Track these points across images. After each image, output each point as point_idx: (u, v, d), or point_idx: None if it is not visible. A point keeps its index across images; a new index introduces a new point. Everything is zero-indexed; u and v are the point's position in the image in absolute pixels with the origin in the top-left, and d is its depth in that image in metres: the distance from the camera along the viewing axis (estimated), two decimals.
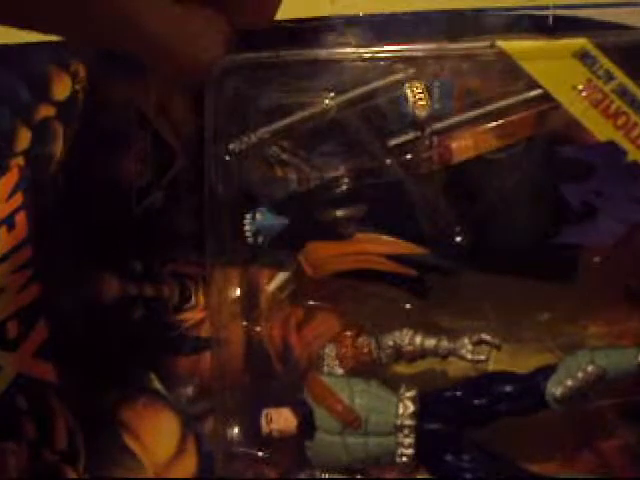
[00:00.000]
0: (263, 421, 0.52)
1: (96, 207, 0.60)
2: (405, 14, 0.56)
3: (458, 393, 0.50)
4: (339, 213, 0.51)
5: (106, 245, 0.60)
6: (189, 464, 0.58)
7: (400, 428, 0.50)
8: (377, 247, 0.50)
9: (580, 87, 0.48)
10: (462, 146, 0.50)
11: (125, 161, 0.60)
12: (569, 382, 0.48)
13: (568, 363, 0.48)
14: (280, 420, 0.51)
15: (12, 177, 0.61)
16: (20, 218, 0.61)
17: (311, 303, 0.54)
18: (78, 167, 0.61)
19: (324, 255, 0.51)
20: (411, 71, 0.50)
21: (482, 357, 0.50)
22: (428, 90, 0.52)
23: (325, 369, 0.52)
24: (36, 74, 0.61)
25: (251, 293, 0.55)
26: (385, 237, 0.50)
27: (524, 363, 0.50)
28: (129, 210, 0.60)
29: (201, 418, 0.58)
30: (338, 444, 0.50)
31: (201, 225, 0.55)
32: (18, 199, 0.61)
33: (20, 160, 0.61)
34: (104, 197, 0.60)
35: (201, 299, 0.59)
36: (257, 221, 0.52)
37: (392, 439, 0.50)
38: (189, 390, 0.58)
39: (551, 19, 0.55)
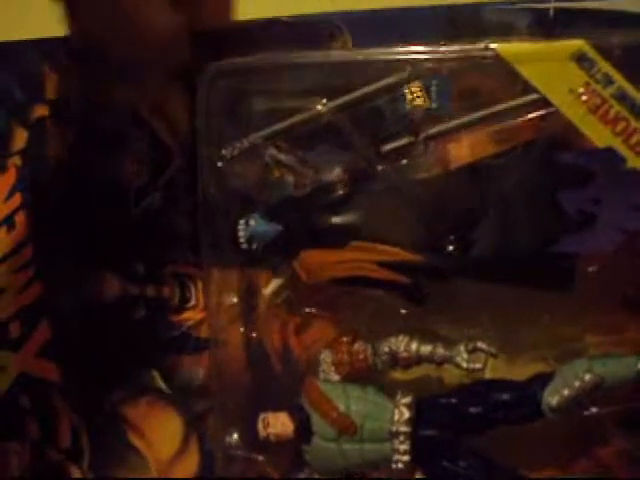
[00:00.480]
0: (260, 425, 0.52)
1: (96, 207, 0.60)
2: (403, 9, 0.55)
3: (454, 400, 0.50)
4: (334, 220, 0.50)
5: (106, 245, 0.60)
6: (192, 461, 0.59)
7: (395, 434, 0.49)
8: (370, 254, 0.49)
9: (579, 90, 0.46)
10: (459, 152, 0.49)
11: (123, 161, 0.59)
12: (565, 391, 0.47)
13: (565, 372, 0.48)
14: (277, 424, 0.51)
15: (10, 177, 0.61)
16: (20, 218, 0.61)
17: (307, 310, 0.53)
18: (77, 167, 0.61)
19: (319, 262, 0.50)
20: (406, 74, 0.49)
21: (477, 366, 0.49)
22: (426, 89, 0.50)
23: (321, 375, 0.52)
24: (30, 73, 0.61)
25: (249, 296, 0.55)
26: (378, 245, 0.49)
27: (521, 371, 0.50)
28: (128, 210, 0.59)
29: (203, 416, 0.58)
30: (334, 450, 0.50)
31: (195, 224, 0.55)
32: (17, 199, 0.61)
33: (17, 160, 0.61)
34: (103, 197, 0.60)
35: (202, 299, 0.59)
36: (250, 227, 0.52)
37: (388, 445, 0.50)
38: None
39: (552, 12, 0.53)
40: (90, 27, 0.50)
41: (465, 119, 0.49)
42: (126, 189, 0.59)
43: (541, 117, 0.47)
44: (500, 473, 0.49)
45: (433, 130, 0.49)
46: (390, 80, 0.50)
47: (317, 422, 0.51)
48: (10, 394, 0.61)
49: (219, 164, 0.52)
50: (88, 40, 0.52)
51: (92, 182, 0.60)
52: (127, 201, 0.59)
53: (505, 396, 0.49)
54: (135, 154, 0.59)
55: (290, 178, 0.53)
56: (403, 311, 0.51)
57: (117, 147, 0.60)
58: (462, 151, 0.50)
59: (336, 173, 0.52)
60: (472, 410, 0.49)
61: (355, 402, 0.50)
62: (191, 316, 0.59)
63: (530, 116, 0.48)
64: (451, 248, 0.48)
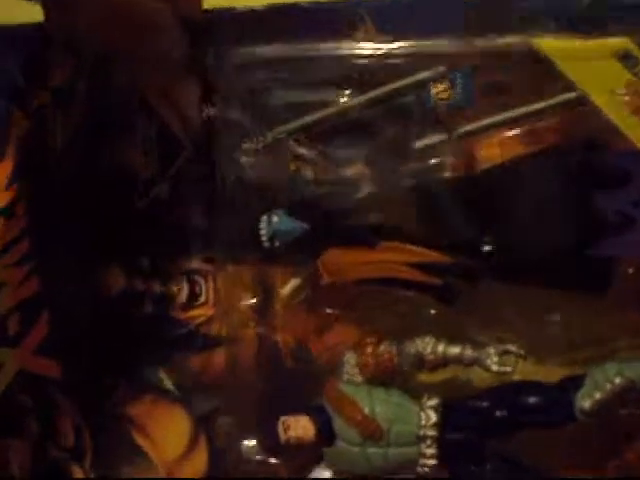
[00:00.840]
0: (280, 429, 0.50)
1: (100, 198, 0.57)
2: None
3: (481, 403, 0.49)
4: (362, 219, 0.49)
5: (111, 238, 0.57)
6: (200, 462, 0.57)
7: (423, 439, 0.48)
8: (402, 255, 0.48)
9: (621, 90, 0.45)
10: (488, 152, 0.48)
11: (129, 151, 0.57)
12: (597, 395, 0.46)
13: (596, 376, 0.47)
14: (298, 428, 0.50)
15: (9, 165, 0.58)
16: (19, 208, 0.58)
17: (328, 311, 0.52)
18: (80, 156, 0.57)
19: (345, 262, 0.49)
20: (441, 69, 0.48)
21: (508, 369, 0.48)
22: (451, 83, 0.49)
23: (345, 377, 0.50)
24: (32, 58, 0.57)
25: (265, 295, 0.53)
26: (409, 245, 0.48)
27: (550, 373, 0.49)
28: (134, 202, 0.57)
29: (212, 416, 0.57)
30: (358, 453, 0.49)
31: (210, 219, 0.52)
32: (17, 188, 0.58)
33: (18, 148, 0.58)
34: (108, 188, 0.57)
35: (211, 296, 0.57)
36: (274, 224, 0.50)
37: (414, 449, 0.49)
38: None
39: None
40: (74, 17, 0.47)
41: (499, 117, 0.47)
42: (132, 180, 0.57)
43: (580, 116, 0.46)
44: (527, 476, 0.49)
45: (467, 128, 0.48)
46: (423, 75, 0.48)
47: (340, 425, 0.49)
48: (9, 391, 0.58)
49: (241, 158, 0.50)
50: (70, 29, 0.49)
51: (96, 172, 0.58)
52: (133, 192, 0.57)
53: (536, 399, 0.48)
54: (143, 144, 0.56)
55: (308, 172, 0.51)
56: (432, 312, 0.50)
57: (123, 136, 0.57)
58: (495, 150, 0.48)
59: (357, 168, 0.51)
60: (501, 414, 0.48)
61: (380, 405, 0.49)
62: (200, 313, 0.57)
63: (565, 116, 0.47)
64: (487, 248, 0.46)
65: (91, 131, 0.57)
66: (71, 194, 0.58)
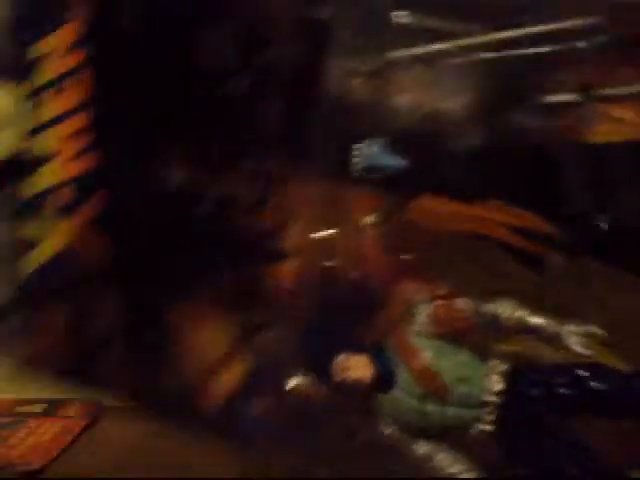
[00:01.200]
0: (338, 367, 0.48)
1: (171, 79, 0.52)
2: None
3: (552, 378, 0.47)
4: (468, 171, 0.45)
5: (177, 124, 0.53)
6: (233, 377, 0.55)
7: (484, 404, 0.47)
8: (502, 216, 0.45)
9: None
10: (607, 126, 0.43)
11: (213, 37, 0.51)
12: None
13: None
14: (357, 368, 0.48)
15: (74, 29, 0.52)
16: (81, 77, 0.53)
17: (406, 256, 0.48)
18: (153, 32, 0.52)
19: (442, 211, 0.45)
20: (587, 21, 0.42)
21: (589, 352, 0.46)
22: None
23: (415, 328, 0.48)
24: None
25: (339, 220, 0.50)
26: (513, 207, 0.44)
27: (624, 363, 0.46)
28: (211, 90, 0.52)
29: (258, 331, 0.54)
30: (415, 408, 0.47)
31: (296, 129, 0.48)
32: (78, 56, 0.53)
33: (85, 15, 0.52)
34: (181, 70, 0.52)
35: (279, 207, 0.53)
36: (370, 155, 0.46)
37: (473, 412, 0.47)
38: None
39: None
40: None
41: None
42: (212, 67, 0.52)
43: None
44: (587, 459, 0.47)
45: (605, 92, 0.43)
46: (565, 24, 0.43)
47: (405, 377, 0.47)
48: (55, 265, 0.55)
49: (344, 76, 0.45)
50: None
51: (171, 51, 0.52)
52: (210, 80, 0.52)
53: (607, 384, 0.46)
54: (225, 34, 0.51)
55: (405, 100, 0.47)
56: (517, 277, 0.47)
57: (209, 20, 0.51)
58: (615, 125, 0.44)
59: (459, 103, 0.46)
60: (568, 391, 0.46)
61: (447, 361, 0.47)
62: (265, 221, 0.53)
63: None
64: (603, 225, 0.43)
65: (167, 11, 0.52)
66: (140, 70, 0.53)
